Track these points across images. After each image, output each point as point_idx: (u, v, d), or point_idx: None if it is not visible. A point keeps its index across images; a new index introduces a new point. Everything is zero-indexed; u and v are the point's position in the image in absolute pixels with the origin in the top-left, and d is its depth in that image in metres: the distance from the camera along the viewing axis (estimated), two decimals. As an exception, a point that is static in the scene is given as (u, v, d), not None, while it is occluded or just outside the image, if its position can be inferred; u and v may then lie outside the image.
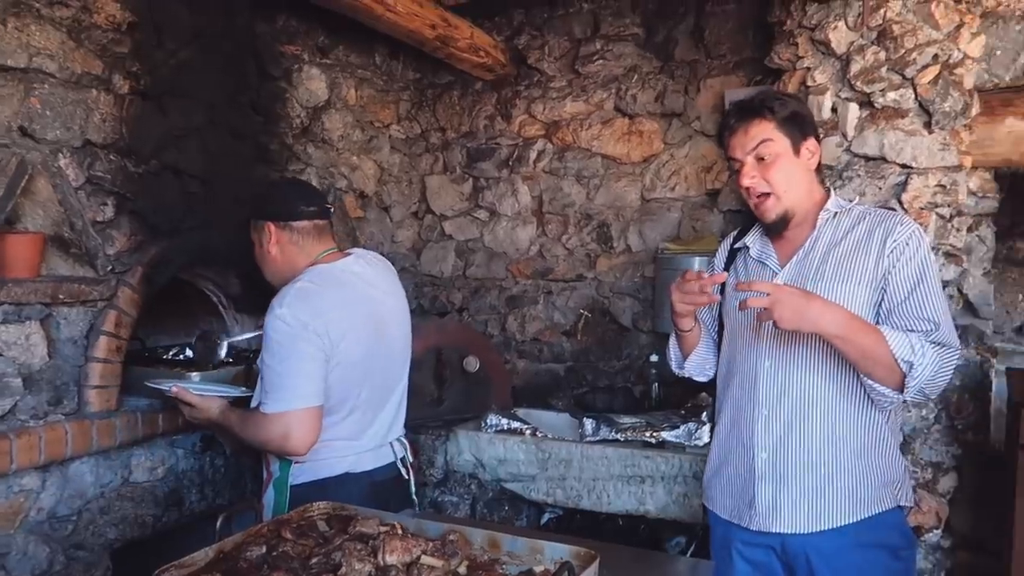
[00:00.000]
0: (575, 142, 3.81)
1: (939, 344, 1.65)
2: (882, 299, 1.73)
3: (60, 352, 2.24)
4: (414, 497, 2.14)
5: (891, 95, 2.56)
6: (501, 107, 3.98)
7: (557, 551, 1.37)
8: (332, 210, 2.13)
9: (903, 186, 2.56)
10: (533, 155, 3.91)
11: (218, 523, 1.48)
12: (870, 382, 1.68)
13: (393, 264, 2.27)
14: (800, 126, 1.79)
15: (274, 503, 1.93)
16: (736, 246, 2.00)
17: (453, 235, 4.16)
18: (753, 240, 1.94)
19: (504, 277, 4.04)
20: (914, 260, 1.71)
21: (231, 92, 2.89)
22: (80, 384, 2.30)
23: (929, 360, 1.62)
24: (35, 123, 2.18)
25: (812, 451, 1.76)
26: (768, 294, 1.61)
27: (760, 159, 1.76)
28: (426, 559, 1.35)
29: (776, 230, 1.84)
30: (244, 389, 2.31)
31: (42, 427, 2.14)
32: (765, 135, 1.75)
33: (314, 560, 1.37)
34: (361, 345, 1.96)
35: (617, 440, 2.88)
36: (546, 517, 3.12)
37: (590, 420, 2.95)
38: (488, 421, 3.11)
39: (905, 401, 1.70)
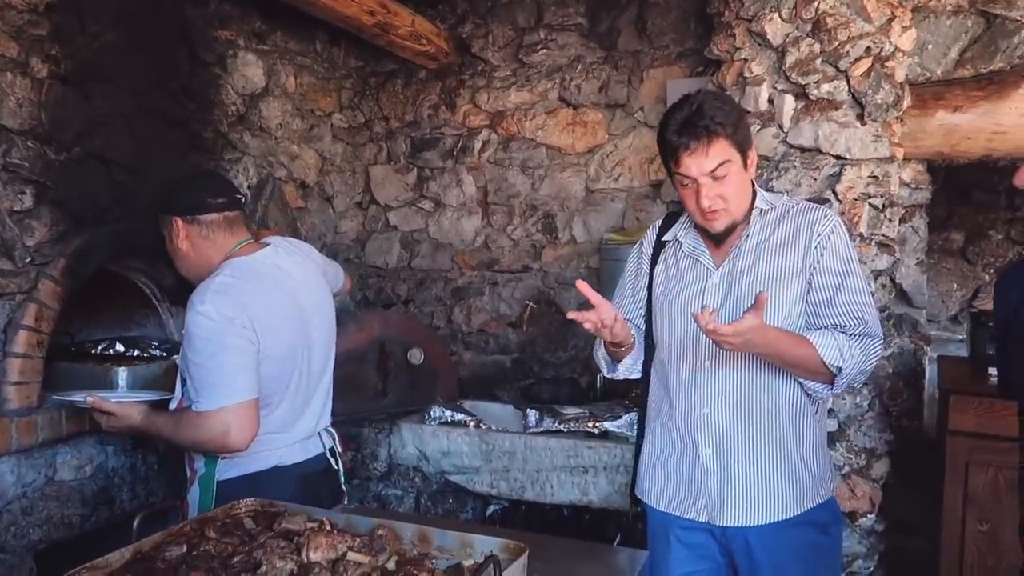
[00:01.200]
0: (520, 132, 3.79)
1: (865, 335, 1.70)
2: (808, 292, 1.75)
3: (-25, 348, 2.15)
4: (344, 487, 2.11)
5: (825, 87, 2.59)
6: (445, 96, 3.94)
7: (487, 544, 1.35)
8: (244, 200, 2.05)
9: (837, 177, 2.59)
10: (478, 145, 3.88)
11: (135, 523, 1.42)
12: (801, 379, 1.76)
13: (336, 255, 2.23)
14: (746, 136, 1.76)
15: (199, 501, 1.87)
16: (665, 238, 1.97)
17: (398, 226, 4.11)
18: (684, 234, 1.91)
19: (450, 268, 4.00)
20: (837, 255, 1.73)
21: (160, 78, 2.80)
22: (-2, 380, 2.21)
23: (857, 359, 1.68)
24: (-58, 107, 2.08)
25: (754, 448, 1.78)
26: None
27: (717, 178, 1.71)
28: (352, 555, 1.32)
29: (721, 240, 1.82)
30: (162, 392, 2.23)
31: (-44, 426, 2.06)
32: (725, 156, 1.69)
33: (236, 559, 1.32)
34: (286, 337, 1.92)
35: (560, 431, 2.87)
36: (491, 509, 3.10)
37: (533, 411, 2.94)
38: (432, 413, 3.08)
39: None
